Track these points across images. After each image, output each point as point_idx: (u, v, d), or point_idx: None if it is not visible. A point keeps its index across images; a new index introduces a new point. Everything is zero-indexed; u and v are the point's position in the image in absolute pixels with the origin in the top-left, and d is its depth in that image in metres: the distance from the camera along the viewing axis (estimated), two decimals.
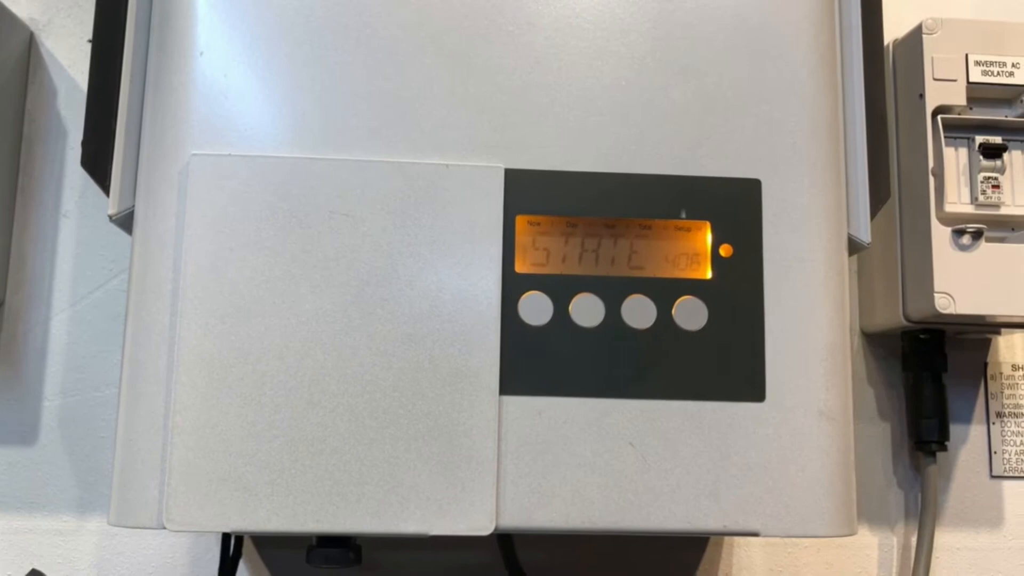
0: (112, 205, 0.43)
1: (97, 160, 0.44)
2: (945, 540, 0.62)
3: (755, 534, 0.41)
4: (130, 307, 0.42)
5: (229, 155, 0.42)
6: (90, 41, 0.46)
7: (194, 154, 0.42)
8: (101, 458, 0.60)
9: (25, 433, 0.60)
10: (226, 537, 0.55)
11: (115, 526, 0.41)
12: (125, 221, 0.44)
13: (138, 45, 0.45)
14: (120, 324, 0.60)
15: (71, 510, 0.59)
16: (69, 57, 0.64)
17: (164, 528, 0.39)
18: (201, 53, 0.43)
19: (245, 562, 0.60)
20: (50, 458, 0.60)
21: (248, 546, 0.60)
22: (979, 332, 0.63)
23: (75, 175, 0.62)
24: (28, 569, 0.57)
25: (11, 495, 0.59)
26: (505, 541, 0.55)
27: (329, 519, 0.40)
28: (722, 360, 0.42)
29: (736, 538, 0.62)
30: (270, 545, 0.60)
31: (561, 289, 0.42)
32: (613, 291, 0.42)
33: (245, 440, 0.40)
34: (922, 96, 0.57)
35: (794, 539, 0.62)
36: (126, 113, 0.44)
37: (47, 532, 0.59)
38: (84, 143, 0.45)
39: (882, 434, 0.63)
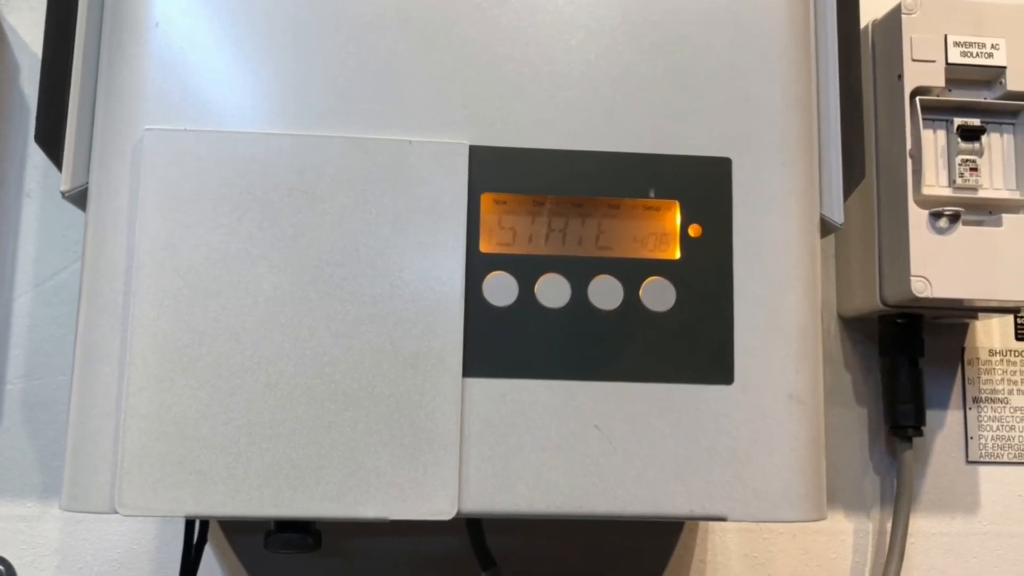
0: (65, 181, 0.42)
1: (51, 135, 0.43)
2: (920, 525, 0.62)
3: (723, 519, 0.40)
4: (83, 286, 0.41)
5: (185, 130, 0.40)
6: None
7: (148, 129, 0.40)
8: (65, 443, 0.58)
9: None
10: (190, 522, 0.54)
11: (67, 511, 0.40)
12: (78, 198, 0.42)
13: (92, 15, 0.43)
14: None
15: (34, 496, 0.58)
16: (32, 33, 0.62)
17: (116, 513, 0.38)
18: (157, 24, 0.42)
19: (213, 547, 0.59)
20: (13, 443, 0.59)
21: (216, 532, 0.59)
22: (957, 317, 0.62)
23: (39, 154, 0.61)
24: None
25: None
26: (474, 527, 0.55)
27: (287, 503, 0.39)
28: (690, 342, 0.41)
29: (711, 525, 0.61)
30: (238, 531, 0.59)
31: (527, 269, 0.41)
32: (580, 271, 0.42)
33: (200, 423, 0.39)
34: (900, 77, 0.56)
35: (769, 525, 0.61)
36: (80, 86, 0.43)
37: (10, 518, 0.58)
38: (38, 117, 0.44)
39: (858, 419, 0.63)
